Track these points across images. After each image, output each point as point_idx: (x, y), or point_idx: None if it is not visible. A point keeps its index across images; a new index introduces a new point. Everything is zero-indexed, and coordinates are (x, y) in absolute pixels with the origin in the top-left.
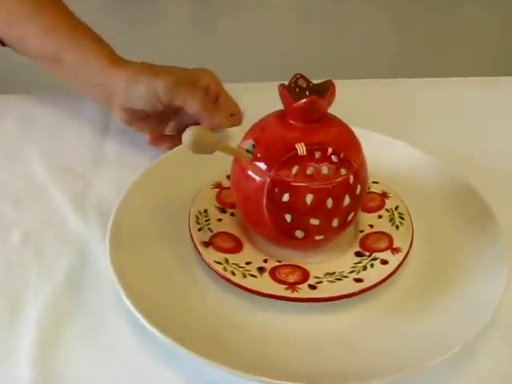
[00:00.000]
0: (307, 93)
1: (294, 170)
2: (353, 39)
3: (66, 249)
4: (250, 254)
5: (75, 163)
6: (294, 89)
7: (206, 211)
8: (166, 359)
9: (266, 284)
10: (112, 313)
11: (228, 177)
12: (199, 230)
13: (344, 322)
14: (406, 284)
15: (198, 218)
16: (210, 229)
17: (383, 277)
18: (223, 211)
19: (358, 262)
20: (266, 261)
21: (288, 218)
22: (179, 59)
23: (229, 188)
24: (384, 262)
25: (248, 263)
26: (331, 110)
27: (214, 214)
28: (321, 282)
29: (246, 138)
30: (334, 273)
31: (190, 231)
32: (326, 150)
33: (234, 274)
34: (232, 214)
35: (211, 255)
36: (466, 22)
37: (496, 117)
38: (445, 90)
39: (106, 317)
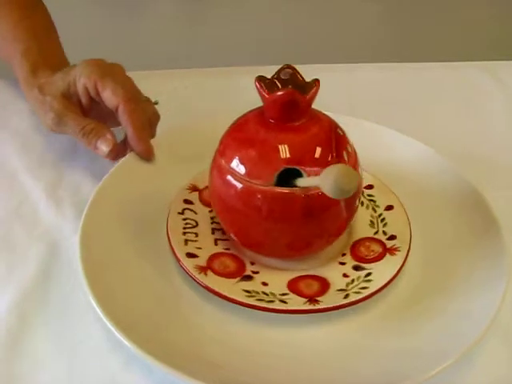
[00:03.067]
0: (290, 86)
1: (345, 156)
2: (345, 23)
3: (37, 242)
4: None
5: (50, 151)
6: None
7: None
8: (135, 361)
9: None
10: (82, 311)
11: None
12: (262, 300)
13: (339, 333)
14: (404, 290)
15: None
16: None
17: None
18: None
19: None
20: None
21: None
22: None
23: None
24: (389, 207)
25: None
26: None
27: (224, 285)
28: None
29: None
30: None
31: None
32: (338, 129)
33: None
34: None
35: (295, 303)
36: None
37: (497, 103)
38: (442, 74)
39: (76, 316)
